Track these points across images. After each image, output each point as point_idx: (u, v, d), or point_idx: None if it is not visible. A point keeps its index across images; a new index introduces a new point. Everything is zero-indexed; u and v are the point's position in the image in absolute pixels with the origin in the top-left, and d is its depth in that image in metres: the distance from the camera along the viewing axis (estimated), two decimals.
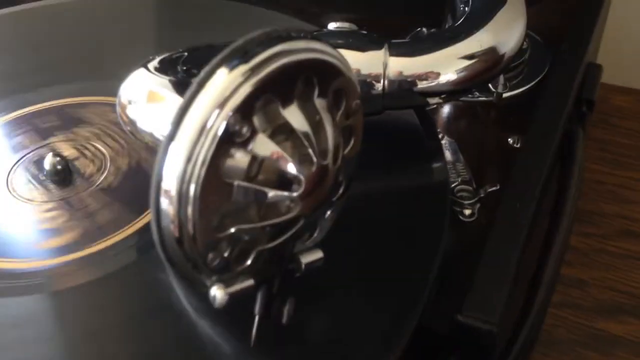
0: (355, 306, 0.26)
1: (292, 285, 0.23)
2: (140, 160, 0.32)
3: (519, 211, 0.28)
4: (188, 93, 0.20)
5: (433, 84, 0.31)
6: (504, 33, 0.32)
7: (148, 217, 0.29)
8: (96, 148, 0.32)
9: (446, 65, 0.31)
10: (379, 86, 0.31)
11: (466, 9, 0.33)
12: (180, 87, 0.26)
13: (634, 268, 0.45)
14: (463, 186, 0.32)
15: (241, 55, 0.20)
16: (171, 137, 0.19)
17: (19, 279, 0.27)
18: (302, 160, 0.21)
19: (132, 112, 0.27)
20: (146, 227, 0.28)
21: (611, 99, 0.57)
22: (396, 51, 0.31)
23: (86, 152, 0.32)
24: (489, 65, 0.31)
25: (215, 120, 0.19)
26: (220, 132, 0.19)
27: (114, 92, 0.28)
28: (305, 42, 0.21)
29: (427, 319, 0.26)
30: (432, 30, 0.43)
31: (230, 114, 0.19)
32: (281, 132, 0.21)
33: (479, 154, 0.35)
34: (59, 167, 0.31)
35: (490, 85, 0.37)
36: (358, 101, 0.24)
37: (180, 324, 0.25)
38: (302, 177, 0.21)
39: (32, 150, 0.32)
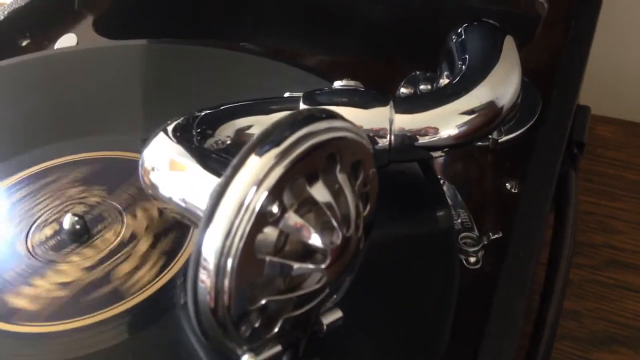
0: None
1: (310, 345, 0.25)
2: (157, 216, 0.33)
3: (523, 260, 0.30)
4: (225, 174, 0.21)
5: (437, 138, 0.32)
6: (500, 87, 0.34)
7: (167, 276, 0.30)
8: (111, 204, 0.33)
9: (448, 121, 0.32)
10: (385, 141, 0.32)
11: (463, 67, 0.34)
12: (199, 155, 0.27)
13: (624, 297, 0.47)
14: (466, 233, 0.34)
15: (272, 140, 0.21)
16: (210, 215, 0.21)
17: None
18: (327, 233, 0.22)
19: (154, 178, 0.28)
20: (165, 288, 0.29)
21: (594, 129, 0.60)
22: (401, 108, 0.32)
23: (101, 209, 0.33)
24: (489, 119, 0.33)
25: (252, 200, 0.21)
26: (257, 210, 0.21)
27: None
28: (328, 122, 0.23)
29: None
30: (428, 74, 0.45)
31: (266, 193, 0.21)
32: (306, 205, 0.23)
33: (477, 199, 0.37)
34: (77, 226, 0.32)
35: None
36: (374, 169, 0.25)
37: None
38: (328, 250, 0.22)
39: (47, 210, 0.33)
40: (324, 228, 0.23)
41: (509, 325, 0.28)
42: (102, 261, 0.31)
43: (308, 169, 0.22)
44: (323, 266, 0.22)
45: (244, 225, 0.21)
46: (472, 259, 0.33)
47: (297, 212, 0.22)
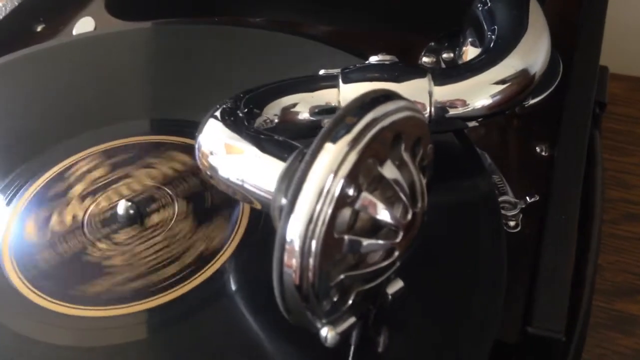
0: (430, 328, 0.28)
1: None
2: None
3: (565, 222, 0.31)
4: (305, 160, 0.22)
5: (474, 108, 0.33)
6: (531, 54, 0.35)
7: (200, 278, 0.30)
8: (164, 190, 0.34)
9: (485, 91, 0.33)
10: (425, 114, 0.33)
11: (493, 36, 0.35)
12: (253, 138, 0.28)
13: None
14: (504, 197, 0.35)
15: (343, 126, 0.22)
16: (293, 203, 0.22)
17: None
18: (398, 210, 0.24)
19: (212, 161, 0.29)
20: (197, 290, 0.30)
21: None
22: (439, 80, 0.33)
23: (155, 194, 0.34)
24: (523, 86, 0.34)
25: (330, 186, 0.22)
26: (336, 196, 0.22)
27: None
28: (393, 103, 0.23)
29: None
30: (446, 44, 0.46)
31: (343, 179, 0.22)
32: (377, 185, 0.24)
33: (508, 163, 0.38)
34: (131, 211, 0.32)
35: None
36: (432, 145, 0.26)
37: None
38: (400, 227, 0.23)
39: (110, 188, 0.34)
40: (394, 205, 0.24)
41: (558, 290, 0.29)
42: (143, 253, 0.31)
43: (378, 150, 0.23)
44: (397, 240, 0.24)
45: (325, 210, 0.22)
46: (512, 223, 0.34)
47: (369, 190, 0.23)
